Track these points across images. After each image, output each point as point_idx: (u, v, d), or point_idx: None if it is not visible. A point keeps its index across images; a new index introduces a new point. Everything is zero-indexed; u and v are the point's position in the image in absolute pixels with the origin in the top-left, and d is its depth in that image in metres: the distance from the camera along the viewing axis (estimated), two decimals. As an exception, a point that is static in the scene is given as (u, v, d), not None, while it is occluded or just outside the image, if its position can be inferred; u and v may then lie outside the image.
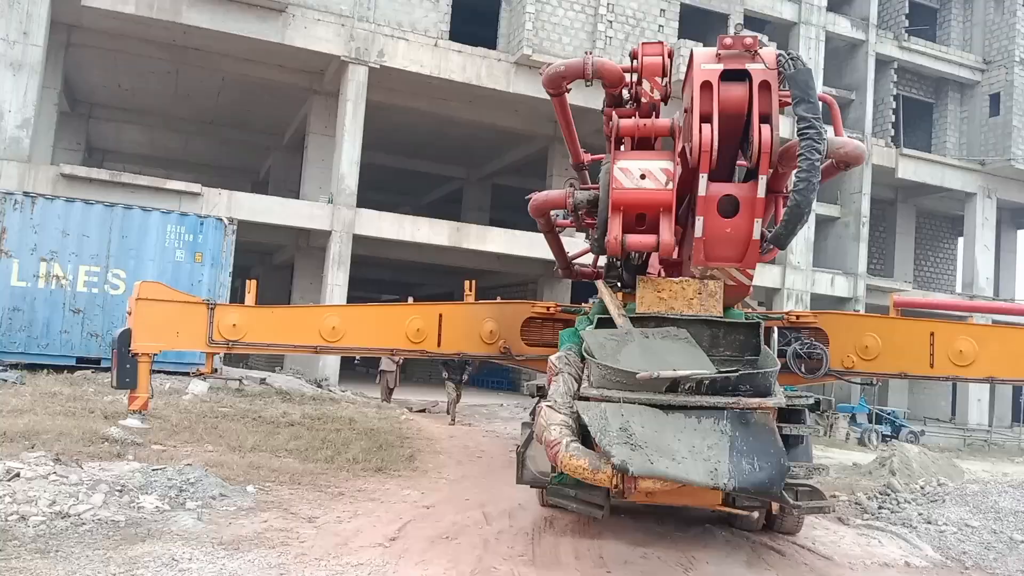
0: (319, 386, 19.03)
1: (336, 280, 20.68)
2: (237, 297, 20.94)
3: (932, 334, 8.34)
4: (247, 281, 9.92)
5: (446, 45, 21.70)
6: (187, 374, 14.20)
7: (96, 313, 15.72)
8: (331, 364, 20.48)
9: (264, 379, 17.50)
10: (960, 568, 7.49)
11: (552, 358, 6.38)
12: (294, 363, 21.73)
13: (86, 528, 5.90)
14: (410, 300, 10.23)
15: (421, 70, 21.50)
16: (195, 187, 19.83)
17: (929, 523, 8.77)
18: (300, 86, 23.47)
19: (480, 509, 8.09)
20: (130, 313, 9.00)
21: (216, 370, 15.36)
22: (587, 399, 5.74)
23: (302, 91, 23.84)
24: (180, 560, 5.45)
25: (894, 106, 29.01)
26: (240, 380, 16.58)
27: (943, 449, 20.13)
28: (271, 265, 30.88)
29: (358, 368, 41.33)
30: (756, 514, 7.20)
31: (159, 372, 13.65)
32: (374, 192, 32.64)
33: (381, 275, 35.27)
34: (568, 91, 7.38)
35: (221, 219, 16.94)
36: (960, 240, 33.58)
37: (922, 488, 10.07)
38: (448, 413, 16.37)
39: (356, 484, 8.80)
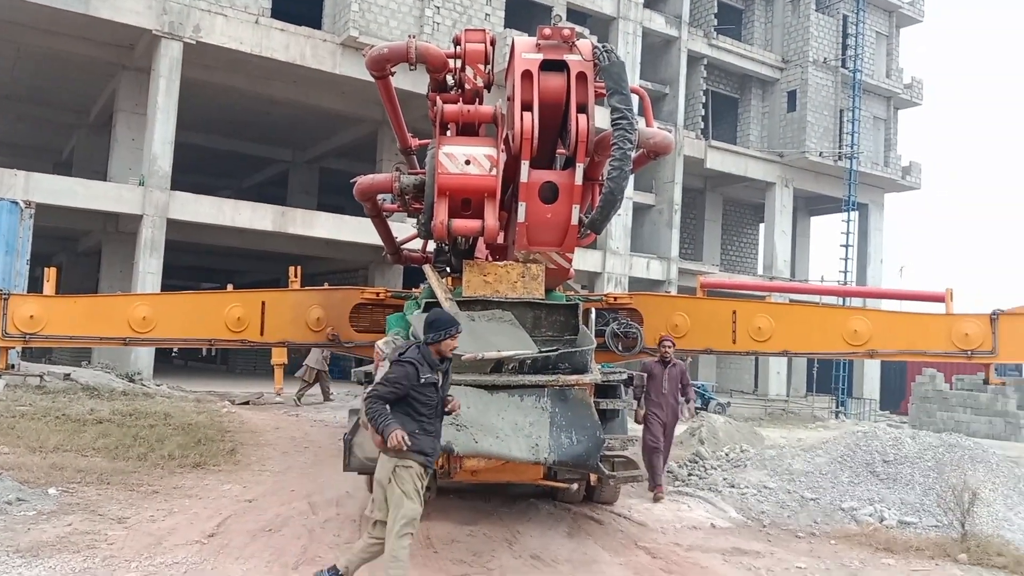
0: (131, 381, 17.87)
1: (149, 268, 19.47)
2: (37, 287, 19.29)
3: (734, 312, 9.04)
4: (46, 269, 9.19)
5: (268, 23, 20.86)
6: (-23, 371, 12.91)
7: None
8: (144, 357, 19.29)
9: (69, 374, 16.22)
10: (759, 526, 8.19)
11: (378, 343, 6.39)
12: (103, 357, 20.27)
13: None
14: (229, 287, 9.83)
15: (241, 47, 20.56)
16: (-16, 166, 18.02)
17: (733, 487, 9.51)
18: (107, 60, 21.77)
19: (306, 499, 7.97)
20: (-94, 305, 8.11)
21: (12, 366, 14.07)
22: (413, 383, 5.79)
23: (110, 66, 22.13)
24: (-30, 572, 5.01)
25: (704, 100, 30.86)
26: (41, 376, 15.27)
27: (747, 419, 21.79)
28: (76, 252, 28.57)
29: (176, 361, 39.22)
30: (575, 486, 7.53)
31: (-57, 370, 12.36)
32: (192, 174, 30.93)
33: (201, 262, 33.55)
34: (392, 74, 7.36)
35: (16, 202, 15.45)
36: (761, 226, 36.33)
37: (727, 455, 10.89)
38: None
39: (172, 481, 8.41)
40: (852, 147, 31.60)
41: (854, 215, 32.38)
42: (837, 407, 30.22)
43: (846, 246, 32.04)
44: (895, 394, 33.79)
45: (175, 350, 36.14)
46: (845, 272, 31.89)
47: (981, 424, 22.72)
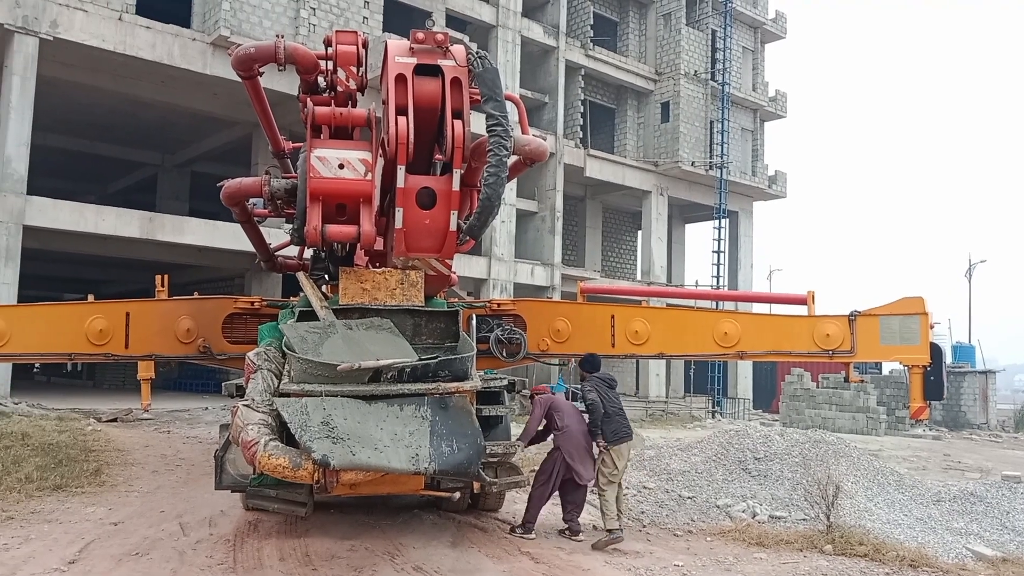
0: (-16, 400, 16.62)
1: (4, 278, 18.12)
2: None
3: (613, 317, 9.18)
4: None
5: (132, 19, 19.84)
6: None
7: None
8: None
9: (-92, 395, 14.92)
10: (639, 526, 8.37)
11: (250, 355, 6.13)
12: (-49, 375, 18.73)
13: None
14: (90, 298, 9.26)
15: (103, 45, 19.46)
16: None
17: (613, 488, 9.62)
18: (-48, 55, 20.21)
19: (177, 520, 7.59)
20: None
21: None
22: (288, 395, 5.59)
23: (-46, 61, 20.54)
24: None
25: (582, 110, 31.47)
26: None
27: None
28: (-82, 263, 26.32)
29: (38, 377, 36.83)
30: (458, 495, 7.46)
31: None
32: (52, 179, 29.13)
33: (63, 272, 31.58)
34: (261, 74, 7.10)
35: None
36: (639, 233, 37.35)
37: (608, 457, 11.06)
38: None
39: (30, 506, 7.87)
40: (722, 157, 32.95)
41: (725, 222, 33.75)
42: (713, 407, 31.37)
43: (718, 252, 33.37)
44: (767, 393, 35.40)
45: (36, 365, 33.91)
46: (717, 277, 33.20)
47: (845, 420, 24.10)
